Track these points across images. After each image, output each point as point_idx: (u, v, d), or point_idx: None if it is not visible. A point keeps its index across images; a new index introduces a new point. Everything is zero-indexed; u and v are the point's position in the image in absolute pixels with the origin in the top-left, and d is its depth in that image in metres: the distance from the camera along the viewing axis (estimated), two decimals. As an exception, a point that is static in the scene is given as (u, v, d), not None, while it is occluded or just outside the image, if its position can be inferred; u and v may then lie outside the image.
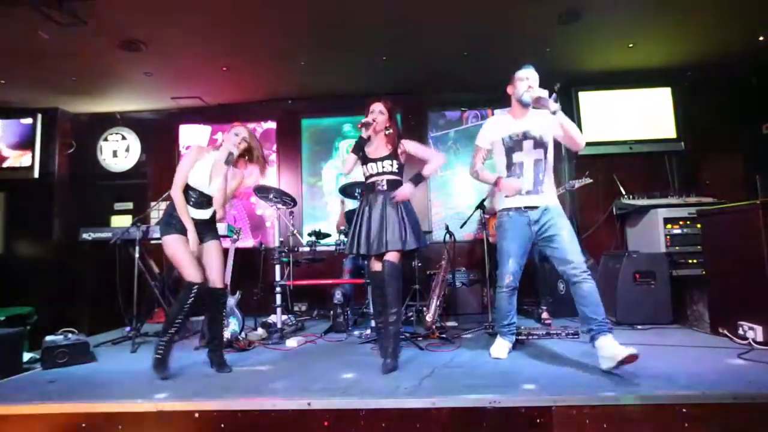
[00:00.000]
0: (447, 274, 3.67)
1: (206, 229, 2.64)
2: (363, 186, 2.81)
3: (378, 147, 2.67)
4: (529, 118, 2.55)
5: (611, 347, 2.19)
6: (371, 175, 2.67)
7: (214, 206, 2.64)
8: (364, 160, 2.67)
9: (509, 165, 2.57)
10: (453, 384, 2.16)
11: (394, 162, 2.63)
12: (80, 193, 5.38)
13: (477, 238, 4.07)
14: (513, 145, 2.55)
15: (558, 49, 4.10)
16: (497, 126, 2.64)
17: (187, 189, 2.58)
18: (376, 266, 2.64)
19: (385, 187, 2.62)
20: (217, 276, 2.61)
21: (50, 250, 5.04)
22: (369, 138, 2.61)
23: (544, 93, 2.38)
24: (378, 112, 2.62)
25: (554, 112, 2.32)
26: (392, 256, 2.51)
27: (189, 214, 2.54)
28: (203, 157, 2.62)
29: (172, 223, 2.53)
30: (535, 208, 2.50)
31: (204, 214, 2.63)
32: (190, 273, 2.49)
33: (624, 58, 4.37)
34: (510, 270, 2.56)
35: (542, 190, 2.52)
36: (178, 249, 2.50)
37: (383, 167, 2.63)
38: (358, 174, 2.83)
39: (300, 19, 3.53)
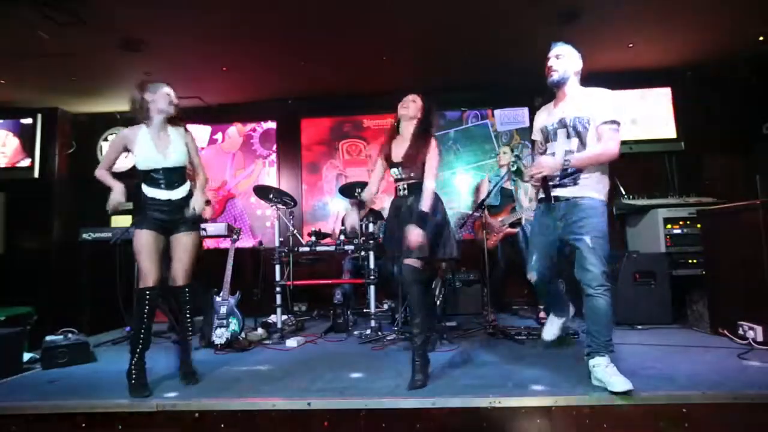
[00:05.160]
0: (447, 274, 3.67)
1: (182, 217, 2.37)
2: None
3: (401, 148, 2.48)
4: (567, 103, 2.24)
5: (606, 374, 2.00)
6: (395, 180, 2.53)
7: (197, 186, 2.45)
8: (390, 164, 2.52)
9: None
10: (453, 384, 2.17)
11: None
12: (80, 193, 5.37)
13: (476, 240, 4.07)
14: (548, 135, 2.30)
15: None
16: (542, 115, 2.40)
17: (150, 174, 2.39)
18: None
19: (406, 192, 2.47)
20: (182, 272, 2.37)
21: (50, 250, 5.04)
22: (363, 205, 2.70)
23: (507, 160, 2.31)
24: (410, 100, 2.55)
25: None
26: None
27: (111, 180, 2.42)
28: (136, 137, 2.40)
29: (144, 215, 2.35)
30: (563, 201, 2.21)
31: (176, 194, 2.39)
32: (145, 277, 2.27)
33: (624, 58, 4.36)
34: (533, 266, 2.34)
35: (570, 183, 2.20)
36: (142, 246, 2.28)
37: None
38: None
39: (300, 18, 3.53)
